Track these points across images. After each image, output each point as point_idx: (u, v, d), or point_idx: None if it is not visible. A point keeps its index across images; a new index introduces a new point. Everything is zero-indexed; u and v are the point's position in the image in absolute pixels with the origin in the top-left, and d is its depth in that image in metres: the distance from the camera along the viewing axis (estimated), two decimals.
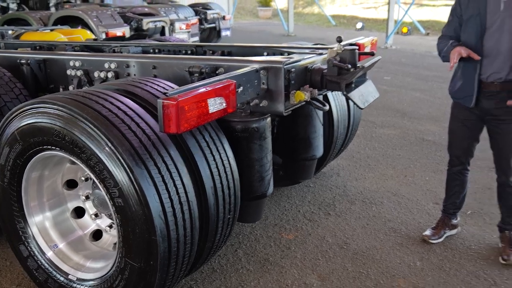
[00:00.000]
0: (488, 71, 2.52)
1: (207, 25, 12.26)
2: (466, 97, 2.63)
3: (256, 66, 2.40)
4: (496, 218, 2.89)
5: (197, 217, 2.11)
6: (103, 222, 2.50)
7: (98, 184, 2.02)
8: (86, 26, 8.27)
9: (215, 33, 12.72)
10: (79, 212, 2.55)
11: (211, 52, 3.56)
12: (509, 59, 2.45)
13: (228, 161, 2.31)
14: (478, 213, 3.20)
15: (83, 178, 2.46)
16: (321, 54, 2.84)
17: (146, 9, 10.29)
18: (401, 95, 6.56)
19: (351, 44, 3.10)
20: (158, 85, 2.40)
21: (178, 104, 1.77)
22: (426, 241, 2.85)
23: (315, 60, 2.72)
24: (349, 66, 2.49)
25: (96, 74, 3.01)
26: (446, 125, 5.05)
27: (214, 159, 2.23)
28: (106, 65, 2.98)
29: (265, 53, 3.34)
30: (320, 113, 3.09)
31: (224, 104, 2.02)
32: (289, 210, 3.35)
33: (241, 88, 2.23)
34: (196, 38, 11.11)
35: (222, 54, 3.50)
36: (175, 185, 2.00)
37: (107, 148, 1.92)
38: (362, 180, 3.81)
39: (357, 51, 2.59)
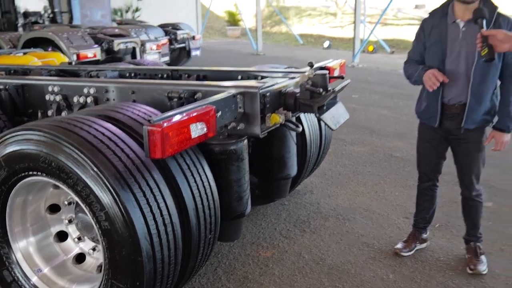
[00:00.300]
0: (449, 94, 2.70)
1: (177, 45, 12.36)
2: (431, 118, 2.80)
3: (233, 91, 2.52)
4: (462, 230, 3.06)
5: (180, 238, 2.19)
6: (86, 246, 2.55)
7: (84, 208, 2.08)
8: (56, 47, 8.27)
9: (185, 53, 12.82)
10: (61, 236, 2.59)
11: (186, 75, 3.67)
12: (467, 84, 2.64)
13: (208, 182, 2.40)
14: (445, 226, 3.38)
15: (66, 202, 2.51)
16: (293, 78, 2.98)
17: (116, 30, 10.33)
18: (368, 112, 6.80)
19: (321, 68, 3.27)
20: (139, 110, 2.49)
21: (163, 131, 1.87)
22: (398, 254, 3.00)
23: (288, 84, 2.86)
24: (321, 90, 2.63)
25: (75, 99, 3.07)
26: (413, 142, 5.27)
27: (195, 181, 2.32)
28: (85, 90, 3.04)
29: (239, 77, 3.46)
30: (294, 133, 3.22)
31: (205, 129, 2.13)
32: (266, 228, 3.45)
33: (220, 113, 2.33)
34: (167, 58, 11.18)
35: (198, 78, 3.60)
36: (159, 207, 2.09)
37: (93, 173, 1.99)
38: (335, 197, 3.95)
39: (327, 75, 2.74)
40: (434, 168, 2.95)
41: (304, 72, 3.00)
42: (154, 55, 10.27)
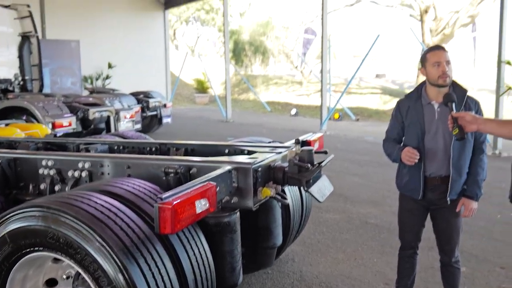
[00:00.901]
0: (430, 169, 2.94)
1: (149, 113, 12.64)
2: (414, 190, 3.00)
3: (229, 167, 2.70)
4: None
5: None
6: None
7: (90, 283, 2.16)
8: (31, 116, 8.35)
9: (156, 120, 13.10)
10: None
11: (174, 149, 3.84)
12: (447, 159, 2.90)
13: (206, 254, 2.53)
14: None
15: (64, 277, 2.56)
16: (280, 152, 3.20)
17: (90, 99, 10.53)
18: (341, 180, 7.06)
19: (303, 142, 3.51)
20: (139, 185, 2.63)
21: (174, 208, 2.01)
22: None
23: (276, 159, 3.07)
24: (309, 165, 2.85)
25: (69, 173, 3.17)
26: (386, 209, 5.56)
27: (194, 253, 2.44)
28: (80, 165, 3.15)
29: (227, 151, 3.66)
30: (279, 204, 3.39)
31: (207, 205, 2.28)
32: None
33: (218, 188, 2.50)
34: (139, 126, 11.37)
35: (186, 151, 3.78)
36: (163, 281, 2.19)
37: (102, 248, 2.10)
38: (316, 265, 4.08)
39: (313, 151, 2.97)
40: (416, 236, 3.14)
41: (289, 147, 3.25)
42: (128, 123, 10.46)
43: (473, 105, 2.89)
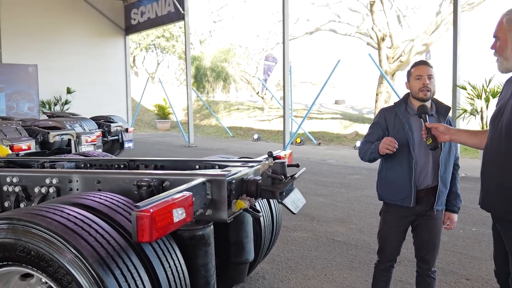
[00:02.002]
0: (419, 179, 2.97)
1: (110, 138, 12.45)
2: (406, 198, 2.96)
3: (203, 179, 2.69)
4: None
5: None
6: None
7: None
8: None
9: (118, 145, 12.90)
10: None
11: (144, 166, 3.79)
12: (434, 170, 2.96)
13: (181, 267, 2.48)
14: None
15: None
16: (252, 166, 3.21)
17: (50, 123, 10.27)
18: (307, 200, 7.01)
19: (273, 156, 3.54)
20: (111, 198, 2.57)
21: (152, 215, 1.98)
22: None
23: (249, 172, 3.08)
24: (282, 177, 2.87)
25: (36, 189, 3.07)
26: (352, 226, 5.63)
27: (169, 266, 2.39)
28: (47, 181, 3.06)
29: (197, 166, 3.65)
30: (250, 219, 3.39)
31: (184, 214, 2.26)
32: None
33: (194, 199, 2.48)
34: (100, 151, 11.13)
35: (155, 168, 3.74)
36: None
37: (76, 260, 2.03)
38: (287, 282, 4.07)
39: (286, 163, 3.00)
40: (396, 251, 3.13)
41: (261, 161, 3.28)
42: (89, 147, 10.22)
43: (453, 121, 2.99)
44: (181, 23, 23.68)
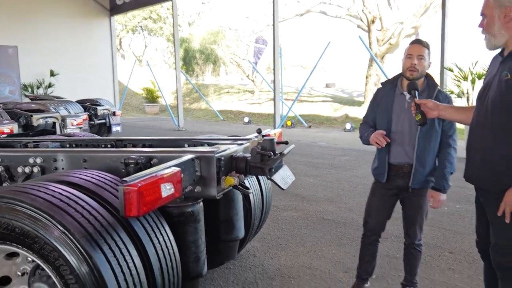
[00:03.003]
0: (396, 155, 3.03)
1: (97, 121, 12.28)
2: (380, 174, 3.11)
3: (191, 155, 2.66)
4: (397, 280, 3.33)
5: None
6: None
7: (51, 273, 2.06)
8: None
9: (105, 128, 12.72)
10: None
11: (131, 145, 3.75)
12: (412, 148, 2.98)
13: (170, 243, 2.47)
14: (382, 277, 3.62)
15: (19, 273, 2.43)
16: (241, 144, 3.19)
17: (33, 105, 10.08)
18: (297, 180, 7.10)
19: (262, 133, 3.52)
20: (98, 175, 2.54)
21: (139, 190, 1.96)
22: None
23: (238, 149, 3.06)
24: (271, 153, 2.86)
25: (19, 169, 3.03)
26: (342, 205, 5.66)
27: (159, 242, 2.38)
28: (31, 160, 3.02)
29: (186, 145, 3.62)
30: (240, 196, 3.38)
31: (172, 190, 2.24)
32: None
33: (183, 175, 2.45)
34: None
35: (143, 146, 3.70)
36: (128, 267, 2.12)
37: (63, 236, 2.00)
38: (277, 258, 4.08)
39: (275, 140, 2.98)
40: (381, 224, 3.20)
41: (250, 139, 3.26)
42: (75, 130, 10.10)
43: (442, 98, 2.95)
44: (169, 4, 23.32)
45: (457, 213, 5.35)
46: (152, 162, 2.77)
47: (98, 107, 12.27)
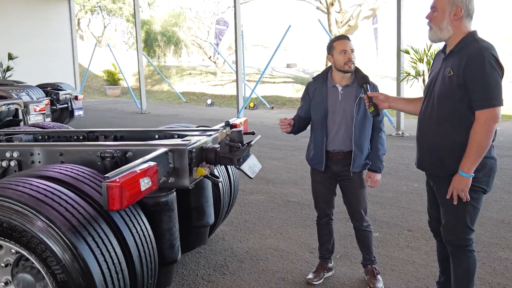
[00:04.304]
0: (333, 145, 3.29)
1: (59, 106, 12.10)
2: (318, 164, 3.36)
3: (165, 149, 2.83)
4: (359, 258, 3.61)
5: (129, 283, 2.39)
6: None
7: (38, 264, 2.21)
8: None
9: (67, 113, 12.54)
10: None
11: (103, 137, 3.87)
12: (348, 136, 3.24)
13: (147, 232, 2.65)
14: (345, 256, 3.91)
15: (2, 265, 2.55)
16: (210, 135, 3.36)
17: None
18: (262, 164, 7.32)
19: (230, 125, 3.71)
20: (76, 169, 2.67)
21: (121, 185, 2.12)
22: (310, 283, 3.43)
23: (207, 140, 3.24)
24: (239, 144, 3.05)
25: None
26: (306, 187, 5.94)
27: (137, 231, 2.55)
28: (8, 154, 3.10)
29: (156, 136, 3.76)
30: (210, 184, 3.56)
31: (150, 183, 2.41)
32: (188, 275, 3.68)
33: (158, 168, 2.62)
34: (49, 120, 10.89)
35: (115, 138, 3.82)
36: (111, 256, 2.29)
37: (49, 229, 2.15)
38: (246, 241, 4.31)
39: (242, 132, 3.18)
40: (329, 204, 3.48)
41: (218, 130, 3.44)
42: (38, 116, 9.95)
43: (371, 87, 3.22)
44: None
45: (415, 192, 5.71)
46: (127, 156, 2.91)
47: (60, 92, 12.07)
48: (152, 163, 2.47)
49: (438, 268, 3.03)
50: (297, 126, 3.34)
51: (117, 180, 2.14)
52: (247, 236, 4.46)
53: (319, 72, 3.48)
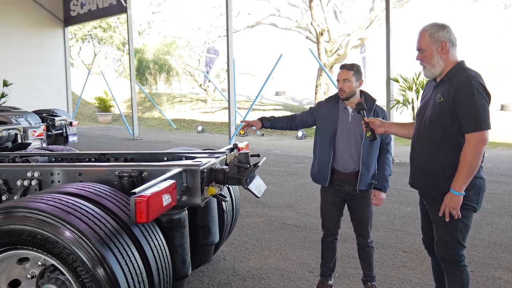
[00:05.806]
0: (341, 163, 3.51)
1: (54, 131, 12.29)
2: (322, 180, 3.58)
3: (180, 168, 3.04)
4: (357, 277, 3.81)
5: None
6: None
7: (67, 274, 2.39)
8: None
9: (62, 139, 12.72)
10: None
11: (114, 159, 4.07)
12: (357, 155, 3.48)
13: (164, 246, 2.84)
14: (343, 275, 4.11)
15: (29, 276, 2.72)
16: (218, 157, 3.59)
17: None
18: None
19: (237, 147, 3.93)
20: (97, 187, 2.88)
21: (148, 200, 2.33)
22: None
23: (216, 162, 3.46)
24: (247, 165, 3.28)
25: (18, 182, 3.29)
26: (301, 211, 6.15)
27: (155, 245, 2.75)
28: (29, 174, 3.29)
29: (165, 158, 3.97)
30: (216, 204, 3.77)
31: (170, 199, 2.62)
32: None
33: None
34: (44, 145, 11.04)
35: (126, 160, 4.03)
36: (134, 267, 2.48)
37: (80, 240, 2.34)
38: (246, 261, 4.49)
39: (249, 154, 3.41)
40: (336, 224, 3.68)
41: (224, 152, 3.68)
42: (36, 141, 10.14)
43: (380, 112, 3.52)
44: (122, 15, 23.24)
45: (408, 215, 5.96)
46: (143, 175, 3.13)
47: (56, 118, 12.32)
48: (172, 181, 2.69)
49: (433, 285, 3.23)
50: (274, 123, 3.75)
51: (144, 195, 2.35)
52: (247, 256, 4.64)
53: (312, 104, 3.76)
